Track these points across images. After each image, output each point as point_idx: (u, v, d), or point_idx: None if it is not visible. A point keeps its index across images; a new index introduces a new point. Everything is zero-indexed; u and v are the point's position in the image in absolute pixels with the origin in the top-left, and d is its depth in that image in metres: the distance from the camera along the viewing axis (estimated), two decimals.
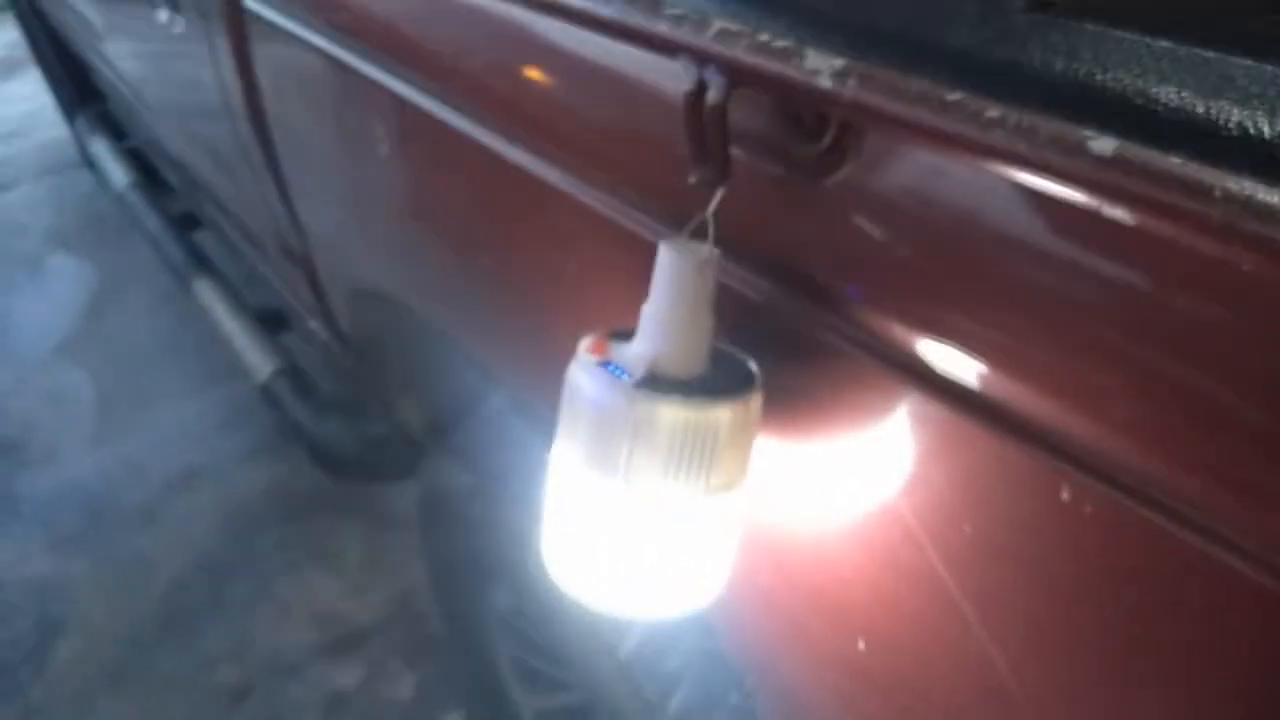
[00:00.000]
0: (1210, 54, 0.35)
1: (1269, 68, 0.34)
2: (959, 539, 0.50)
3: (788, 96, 0.49)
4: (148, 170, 2.52)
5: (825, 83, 0.44)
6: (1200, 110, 0.35)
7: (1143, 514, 0.41)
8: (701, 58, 0.50)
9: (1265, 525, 0.38)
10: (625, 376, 0.54)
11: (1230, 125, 0.34)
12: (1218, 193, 0.33)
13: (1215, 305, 0.37)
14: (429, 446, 1.42)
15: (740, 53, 0.47)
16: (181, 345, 2.58)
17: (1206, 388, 0.39)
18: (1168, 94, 0.36)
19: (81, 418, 2.39)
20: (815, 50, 0.45)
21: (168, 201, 2.40)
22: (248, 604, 1.89)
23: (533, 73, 0.73)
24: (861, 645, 0.60)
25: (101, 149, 2.66)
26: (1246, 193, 0.32)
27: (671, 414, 0.52)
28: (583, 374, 0.55)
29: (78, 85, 2.96)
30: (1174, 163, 0.34)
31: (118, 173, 2.53)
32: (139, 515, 2.10)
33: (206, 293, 2.05)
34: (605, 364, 0.55)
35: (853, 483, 0.56)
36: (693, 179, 0.54)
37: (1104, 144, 0.35)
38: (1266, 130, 0.33)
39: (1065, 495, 0.44)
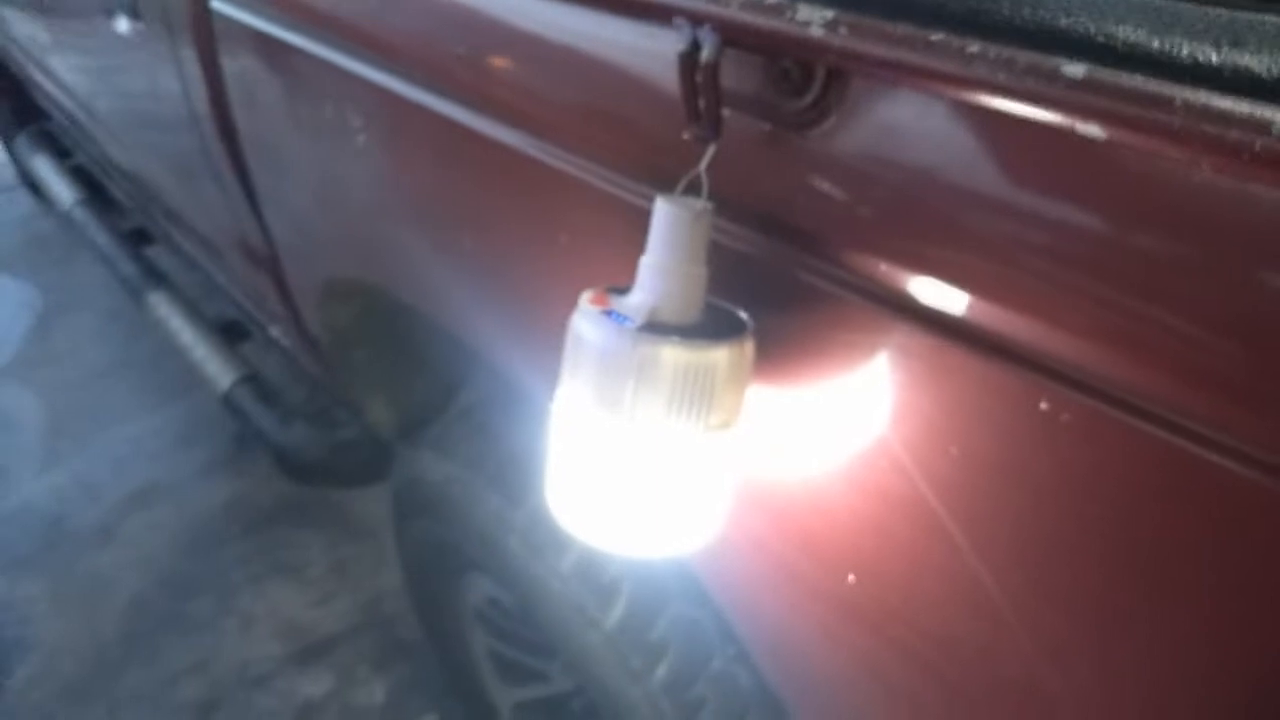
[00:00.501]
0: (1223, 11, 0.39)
1: (1212, 10, 0.39)
2: (945, 462, 0.54)
3: (781, 51, 0.52)
4: (94, 188, 2.49)
5: (817, 33, 0.48)
6: (1156, 45, 0.39)
7: (1116, 416, 0.45)
8: (696, 18, 0.54)
9: (1234, 417, 0.42)
10: (627, 322, 0.57)
11: (1182, 56, 0.39)
12: (1178, 102, 0.37)
13: (1178, 211, 0.42)
14: (400, 445, 1.43)
15: (734, 11, 0.51)
16: (133, 363, 2.55)
17: (1171, 292, 0.43)
18: (1126, 31, 0.40)
19: (31, 439, 2.34)
20: (806, 4, 0.49)
21: (116, 218, 2.38)
22: (211, 619, 1.87)
23: (512, 47, 0.76)
24: (851, 579, 0.63)
25: (44, 168, 2.63)
26: (1203, 101, 0.37)
27: (673, 354, 0.55)
28: (586, 322, 0.58)
29: (15, 104, 2.91)
30: (1139, 80, 0.38)
31: (63, 191, 2.50)
32: (96, 534, 2.07)
33: (161, 306, 2.03)
34: (607, 312, 0.58)
35: (840, 419, 0.60)
36: (686, 136, 0.57)
37: (1075, 69, 0.40)
38: (1214, 58, 0.38)
39: (1043, 406, 0.48)
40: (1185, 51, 0.39)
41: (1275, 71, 0.36)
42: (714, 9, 0.52)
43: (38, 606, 1.92)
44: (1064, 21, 0.41)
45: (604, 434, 0.58)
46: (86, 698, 1.74)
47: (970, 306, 0.50)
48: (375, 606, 1.86)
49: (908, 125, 0.52)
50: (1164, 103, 0.37)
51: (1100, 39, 0.40)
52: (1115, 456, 0.47)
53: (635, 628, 0.95)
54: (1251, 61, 0.37)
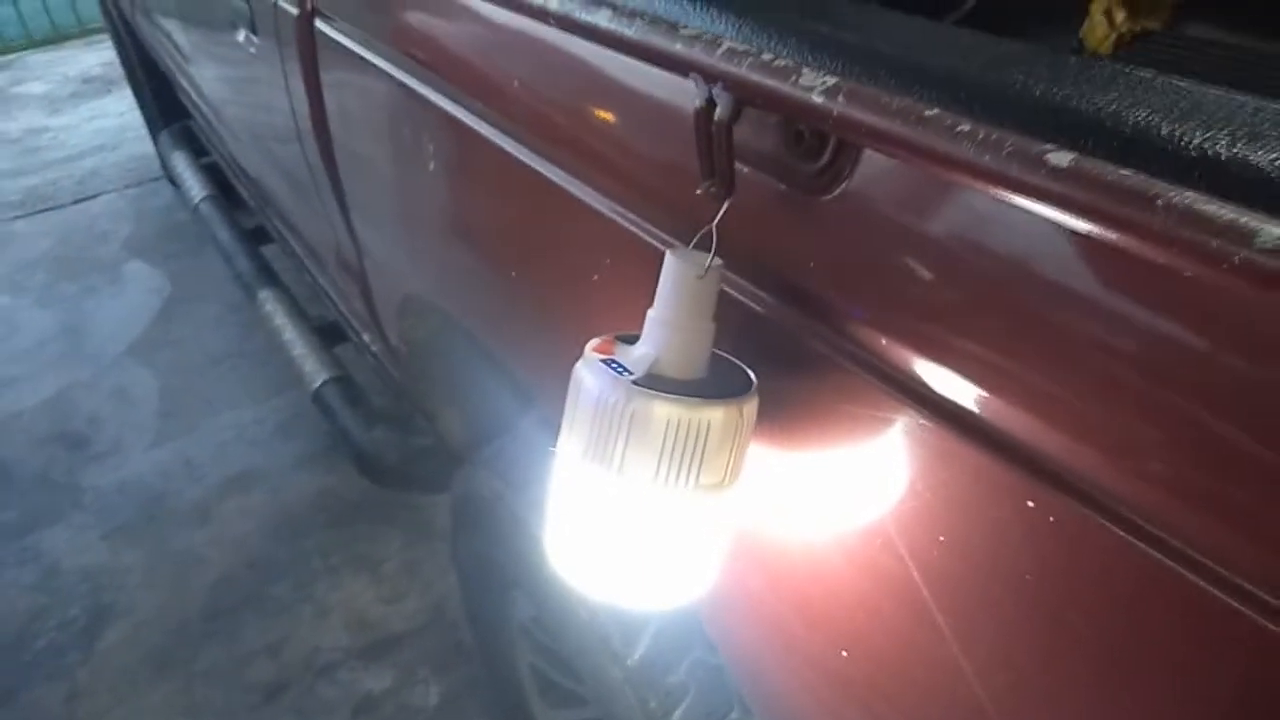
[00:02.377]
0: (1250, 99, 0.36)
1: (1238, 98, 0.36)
2: (934, 548, 0.52)
3: (784, 114, 0.51)
4: (223, 185, 2.63)
5: (817, 99, 0.47)
6: (1237, 153, 0.36)
7: (1101, 523, 0.43)
8: (710, 75, 0.53)
9: (1220, 540, 0.39)
10: (626, 375, 0.57)
11: (1190, 147, 0.36)
12: (1160, 202, 0.34)
13: (1174, 318, 0.39)
14: (465, 458, 1.46)
15: (743, 70, 0.50)
16: (246, 354, 2.68)
17: (1165, 407, 0.40)
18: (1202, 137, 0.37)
19: (146, 417, 2.48)
20: (811, 69, 0.48)
21: (240, 215, 2.50)
22: (288, 604, 1.94)
23: (564, 96, 0.77)
24: (843, 653, 0.61)
25: (181, 163, 2.79)
26: (1187, 202, 0.34)
27: (665, 410, 0.55)
28: (586, 370, 0.58)
29: (163, 103, 3.10)
30: (1124, 174, 0.36)
31: (195, 186, 2.65)
32: (193, 513, 2.18)
33: (270, 303, 2.13)
34: (609, 362, 0.58)
35: (838, 490, 0.58)
36: (699, 191, 0.57)
37: (1060, 156, 0.37)
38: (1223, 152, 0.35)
39: (1030, 505, 0.46)
40: (1195, 142, 0.36)
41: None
42: (728, 67, 0.52)
43: (133, 575, 2.03)
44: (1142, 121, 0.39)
45: (594, 486, 0.58)
46: (166, 668, 1.83)
47: (965, 394, 0.48)
48: (441, 609, 1.90)
49: (915, 198, 0.50)
50: (1145, 200, 0.35)
51: (1106, 124, 0.38)
52: (1097, 563, 0.44)
53: (656, 668, 0.94)
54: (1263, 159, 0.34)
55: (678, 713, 0.93)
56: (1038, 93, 0.40)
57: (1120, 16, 1.29)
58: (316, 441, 2.33)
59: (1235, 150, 0.35)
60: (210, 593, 1.99)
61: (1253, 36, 0.96)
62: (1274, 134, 0.35)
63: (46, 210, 3.60)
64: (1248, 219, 0.32)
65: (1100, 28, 1.28)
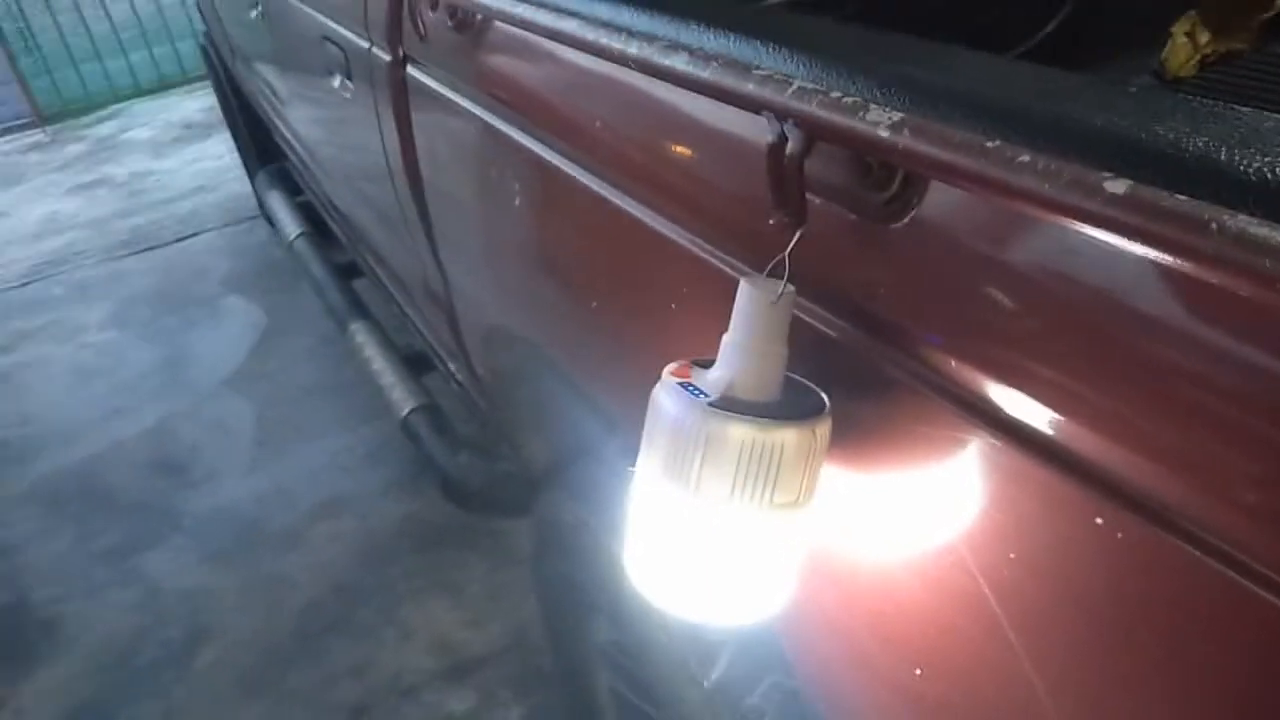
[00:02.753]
0: None
1: None
2: (1004, 566, 0.53)
3: (854, 147, 0.54)
4: (316, 223, 2.75)
5: (883, 133, 0.49)
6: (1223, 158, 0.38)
7: (1168, 540, 0.44)
8: (782, 113, 0.56)
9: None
10: (702, 396, 0.59)
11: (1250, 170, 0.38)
12: (1213, 225, 0.36)
13: (1233, 338, 0.40)
14: (547, 484, 1.50)
15: (813, 108, 0.53)
16: (337, 384, 2.77)
17: (1230, 420, 0.41)
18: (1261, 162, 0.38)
19: (242, 445, 2.59)
20: (877, 105, 0.50)
21: (332, 252, 2.61)
22: (374, 627, 2.00)
23: (643, 134, 0.80)
24: (917, 671, 0.62)
25: (277, 202, 2.92)
26: (1240, 225, 0.36)
27: (740, 432, 0.57)
28: (664, 393, 0.61)
29: (260, 146, 3.25)
30: (1178, 199, 0.37)
31: (290, 224, 2.77)
32: (285, 538, 2.26)
33: (360, 334, 2.21)
34: (686, 385, 0.61)
35: (911, 511, 0.59)
36: (771, 221, 0.59)
37: (1117, 184, 0.39)
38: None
39: (1099, 521, 0.47)
40: (1253, 167, 0.38)
41: None
42: (798, 104, 0.54)
43: (227, 598, 2.12)
44: (1124, 131, 0.41)
45: (672, 504, 0.60)
46: (256, 689, 1.90)
47: (1030, 413, 0.50)
48: (522, 634, 1.93)
49: (982, 227, 0.52)
50: (1198, 224, 0.36)
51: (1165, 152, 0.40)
52: (1165, 580, 0.45)
53: (733, 691, 0.95)
54: None
55: None
56: (1097, 123, 0.42)
57: (1204, 38, 1.28)
58: (403, 469, 2.40)
59: None
60: (299, 616, 2.06)
61: None
62: None
63: (150, 249, 3.80)
64: None
65: (1183, 50, 1.27)
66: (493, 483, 1.74)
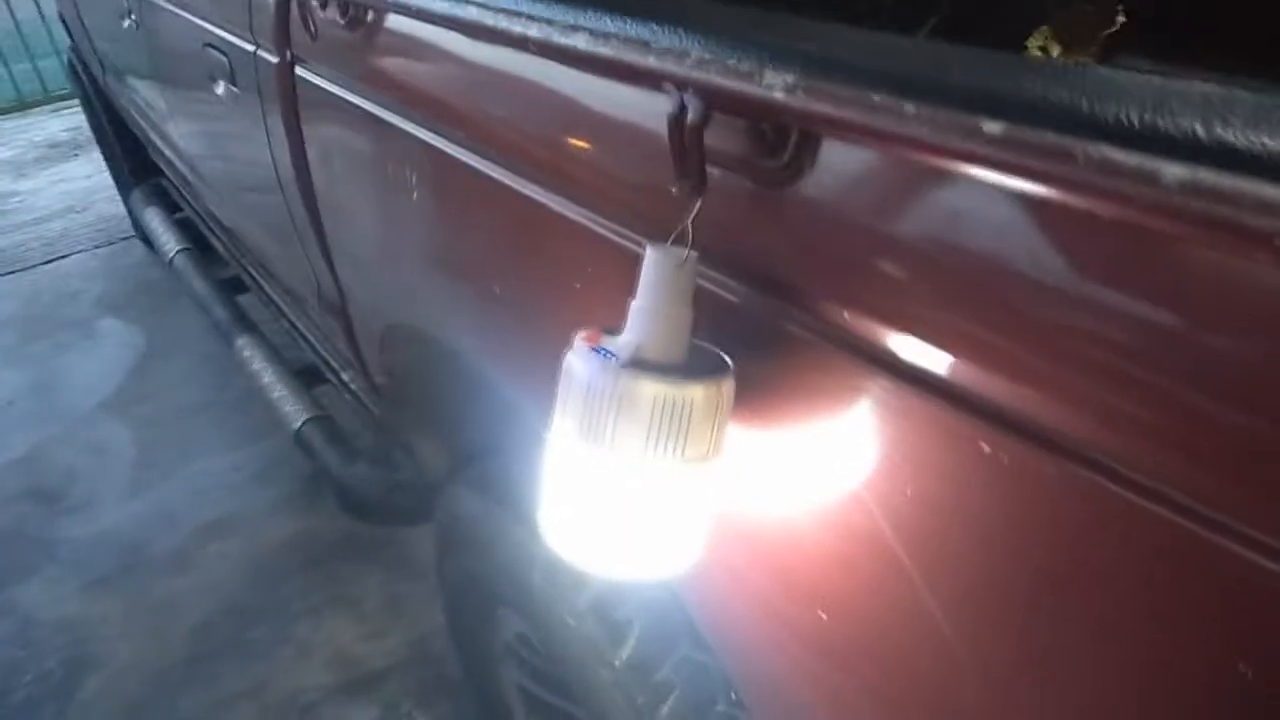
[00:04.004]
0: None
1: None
2: (900, 501, 0.57)
3: (752, 112, 0.57)
4: (197, 239, 2.67)
5: (779, 95, 0.53)
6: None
7: (1049, 459, 0.48)
8: (683, 84, 0.59)
9: (1171, 466, 0.44)
10: (613, 359, 0.62)
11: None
12: (1079, 155, 0.40)
13: (1100, 262, 0.45)
14: (447, 484, 1.49)
15: (712, 76, 0.56)
16: (221, 403, 2.69)
17: (1106, 340, 0.46)
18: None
19: (121, 469, 2.49)
20: (771, 70, 0.54)
21: (215, 268, 2.54)
22: (269, 646, 1.95)
23: (540, 116, 0.83)
24: (823, 616, 0.66)
25: (154, 219, 2.82)
26: (1102, 153, 0.40)
27: (651, 390, 0.60)
28: (576, 357, 0.63)
29: (133, 163, 3.14)
30: (1047, 135, 0.42)
31: (169, 241, 2.68)
32: (171, 561, 2.18)
33: (248, 349, 2.16)
34: (597, 349, 0.63)
35: (812, 459, 0.63)
36: (674, 190, 0.62)
37: (994, 125, 0.43)
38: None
39: (985, 449, 0.51)
40: (1110, 111, 0.42)
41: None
42: (697, 74, 0.58)
43: (111, 626, 2.03)
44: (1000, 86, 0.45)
45: (588, 464, 0.63)
46: (146, 717, 1.82)
47: (922, 353, 0.54)
48: (424, 644, 1.91)
49: (867, 185, 0.56)
50: (1065, 155, 0.41)
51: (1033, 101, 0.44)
52: (1048, 499, 0.49)
53: (643, 667, 0.97)
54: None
55: (665, 708, 0.96)
56: (972, 78, 0.46)
57: (1055, 50, 1.39)
58: (294, 485, 2.35)
59: (1143, 117, 0.41)
60: (189, 640, 1.99)
61: (1180, 67, 1.04)
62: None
63: (16, 272, 3.61)
64: (1154, 163, 0.38)
65: None
66: (391, 491, 1.72)
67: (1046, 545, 0.50)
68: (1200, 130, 0.37)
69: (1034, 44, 1.37)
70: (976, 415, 0.51)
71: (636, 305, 0.64)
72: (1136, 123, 0.40)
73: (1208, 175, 0.36)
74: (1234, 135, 0.37)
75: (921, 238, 0.53)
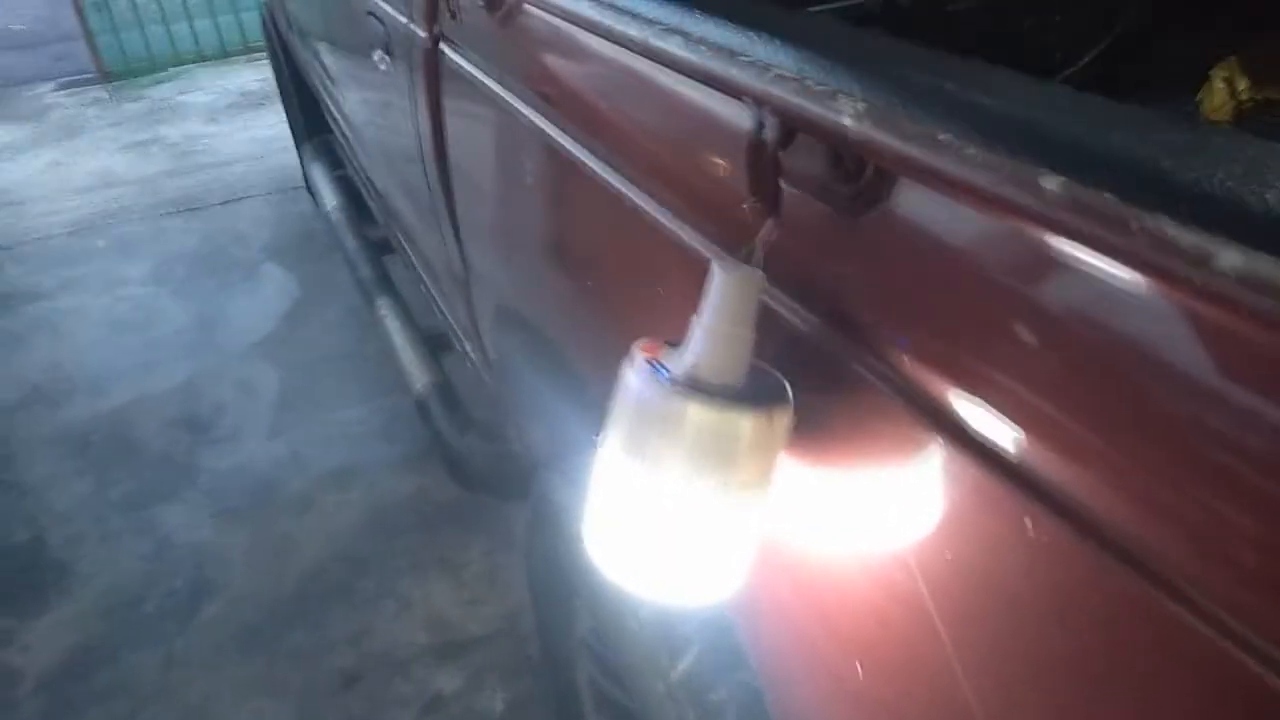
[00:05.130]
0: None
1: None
2: (940, 564, 0.53)
3: (821, 134, 0.54)
4: (354, 197, 2.79)
5: (847, 121, 0.49)
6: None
7: (1091, 548, 0.44)
8: (760, 98, 0.57)
9: (1209, 571, 0.40)
10: (666, 376, 0.60)
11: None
12: (1133, 224, 0.36)
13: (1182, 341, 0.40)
14: (544, 467, 1.51)
15: (787, 93, 0.54)
16: (361, 356, 2.81)
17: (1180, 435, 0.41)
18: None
19: (264, 409, 2.64)
20: (846, 96, 0.51)
21: (367, 227, 2.65)
22: (373, 597, 2.03)
23: (643, 118, 0.81)
24: (858, 667, 0.63)
25: (319, 174, 2.97)
26: (1159, 225, 0.36)
27: (698, 413, 0.58)
28: (630, 369, 0.62)
29: (309, 118, 3.31)
30: (1106, 197, 0.38)
31: (329, 196, 2.81)
32: (296, 502, 2.30)
33: (385, 309, 2.25)
34: (652, 363, 0.62)
35: (858, 507, 0.60)
36: (745, 206, 0.60)
37: (1052, 181, 0.39)
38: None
39: (1027, 524, 0.47)
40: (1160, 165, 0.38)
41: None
42: (774, 90, 0.55)
43: (235, 555, 2.16)
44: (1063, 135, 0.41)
45: (629, 479, 0.61)
46: (254, 645, 1.93)
47: (973, 412, 0.50)
48: (515, 619, 1.95)
49: (943, 224, 0.52)
50: (1120, 223, 0.37)
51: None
52: (1088, 589, 0.45)
53: (698, 686, 0.96)
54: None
55: None
56: (1046, 125, 0.42)
57: (1243, 84, 1.27)
58: (415, 445, 2.43)
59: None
60: (302, 579, 2.09)
61: None
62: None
63: (195, 210, 3.87)
64: (1209, 243, 0.34)
65: (1220, 95, 1.26)
66: (495, 464, 1.76)
67: (1074, 634, 0.46)
68: None
69: (1218, 75, 1.26)
70: (1022, 488, 0.47)
71: (697, 322, 0.62)
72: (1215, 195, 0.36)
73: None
74: None
75: (986, 292, 0.49)
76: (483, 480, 1.78)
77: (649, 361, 0.62)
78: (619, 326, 0.89)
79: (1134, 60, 1.39)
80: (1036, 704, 0.49)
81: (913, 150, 0.46)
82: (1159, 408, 0.41)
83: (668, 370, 0.61)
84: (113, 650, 1.95)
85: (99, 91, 5.55)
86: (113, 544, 2.22)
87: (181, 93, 5.47)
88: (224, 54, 5.99)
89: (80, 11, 5.46)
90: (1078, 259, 0.43)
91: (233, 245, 3.55)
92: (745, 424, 0.58)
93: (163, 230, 3.72)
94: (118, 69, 5.69)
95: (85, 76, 5.70)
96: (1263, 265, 0.32)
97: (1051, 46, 1.39)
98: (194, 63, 5.90)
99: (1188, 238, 0.34)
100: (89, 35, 5.52)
